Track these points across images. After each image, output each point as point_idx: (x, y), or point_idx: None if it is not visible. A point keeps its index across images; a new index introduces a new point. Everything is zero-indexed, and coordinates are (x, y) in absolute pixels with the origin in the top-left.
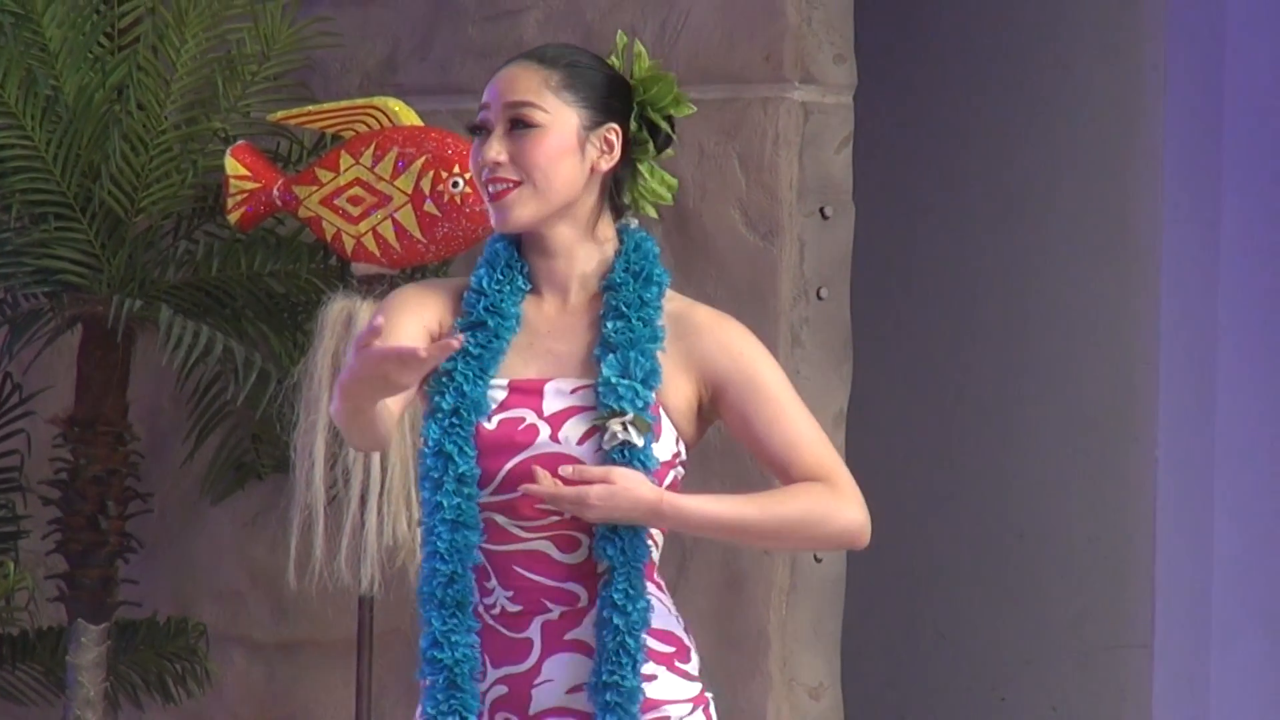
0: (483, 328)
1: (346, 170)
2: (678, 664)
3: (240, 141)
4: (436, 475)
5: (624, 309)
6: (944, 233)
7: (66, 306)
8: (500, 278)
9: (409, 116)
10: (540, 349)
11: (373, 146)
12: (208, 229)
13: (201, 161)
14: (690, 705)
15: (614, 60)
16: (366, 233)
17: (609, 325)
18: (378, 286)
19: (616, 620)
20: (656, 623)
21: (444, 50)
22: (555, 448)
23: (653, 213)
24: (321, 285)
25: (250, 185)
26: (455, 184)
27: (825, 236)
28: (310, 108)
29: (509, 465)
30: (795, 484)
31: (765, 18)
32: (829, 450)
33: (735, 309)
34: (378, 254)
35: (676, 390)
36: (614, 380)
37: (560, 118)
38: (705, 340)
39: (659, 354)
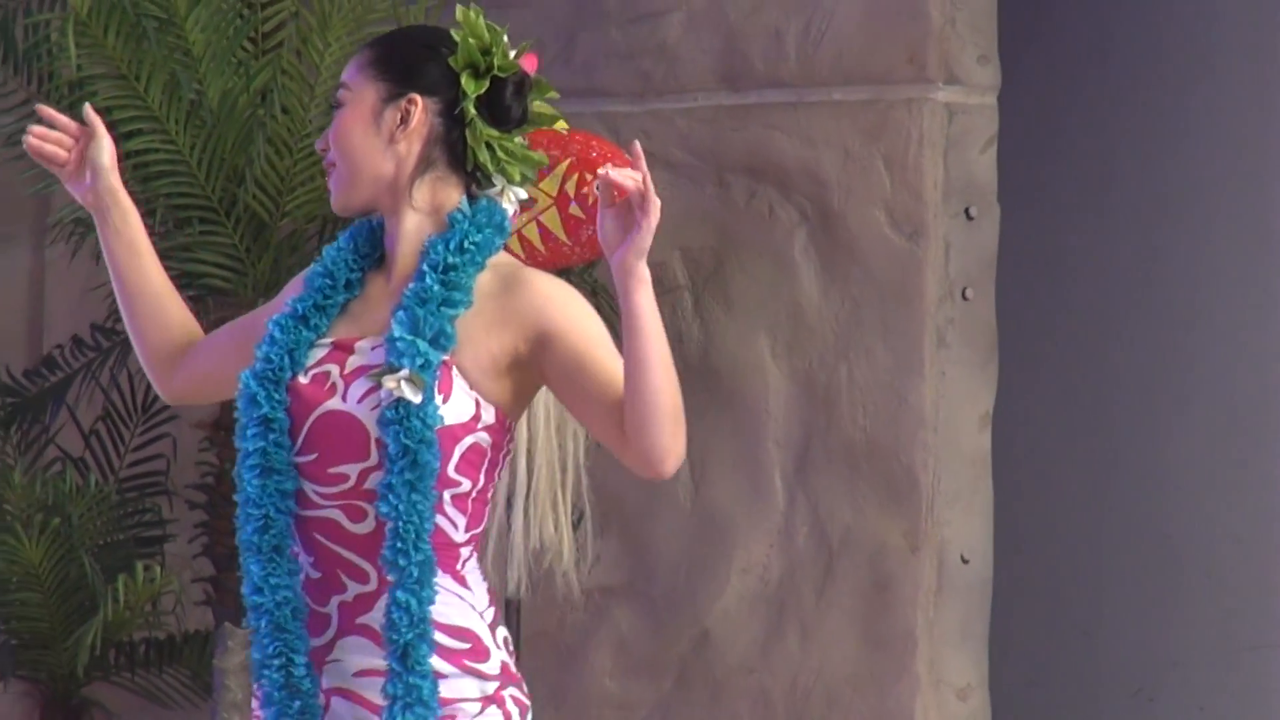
0: (311, 289)
1: None
2: (468, 662)
3: None
4: (243, 420)
5: (425, 270)
6: (1088, 232)
7: (211, 310)
8: (341, 246)
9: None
10: (366, 312)
11: None
12: None
13: None
14: (480, 704)
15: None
16: (511, 236)
17: (409, 287)
18: None
19: (397, 587)
20: (451, 618)
21: (587, 53)
22: (341, 406)
23: (516, 179)
24: None
25: None
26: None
27: (970, 237)
28: None
29: (309, 421)
30: None
31: (909, 19)
32: None
33: (881, 309)
34: (523, 256)
35: (484, 348)
36: (397, 336)
37: (359, 93)
38: (528, 293)
39: (468, 315)
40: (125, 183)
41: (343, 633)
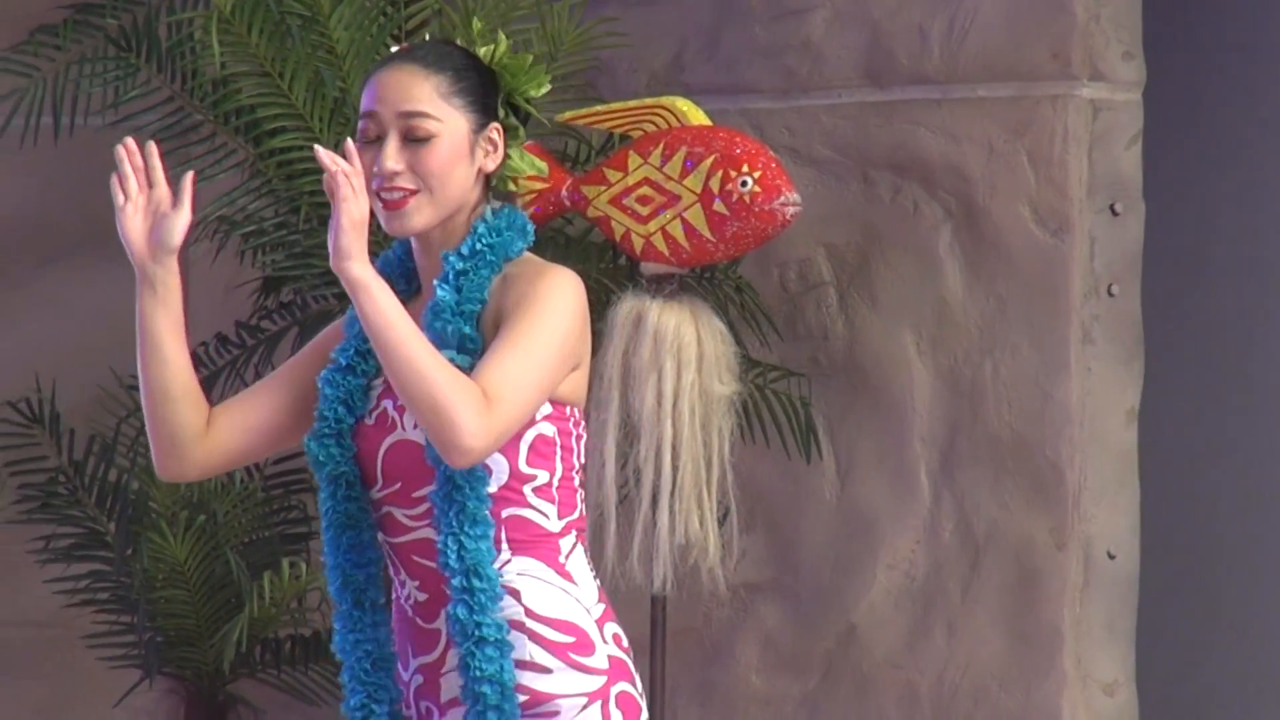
0: (351, 335)
1: (635, 170)
2: (573, 655)
3: (528, 142)
4: (318, 481)
5: (436, 284)
6: (1234, 228)
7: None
8: None
9: (697, 116)
10: None
11: (661, 146)
12: None
13: None
14: (585, 700)
15: (479, 50)
16: (656, 232)
17: (430, 305)
18: (667, 286)
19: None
20: (553, 611)
21: (731, 50)
22: (403, 435)
23: (512, 186)
24: (611, 285)
25: (539, 185)
26: (744, 183)
27: (1115, 233)
28: (598, 108)
29: (379, 456)
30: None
31: (1053, 15)
32: (509, 378)
33: (1026, 306)
34: (667, 253)
35: None
36: None
37: (451, 125)
38: (510, 290)
39: (488, 317)
40: (270, 179)
41: (451, 643)
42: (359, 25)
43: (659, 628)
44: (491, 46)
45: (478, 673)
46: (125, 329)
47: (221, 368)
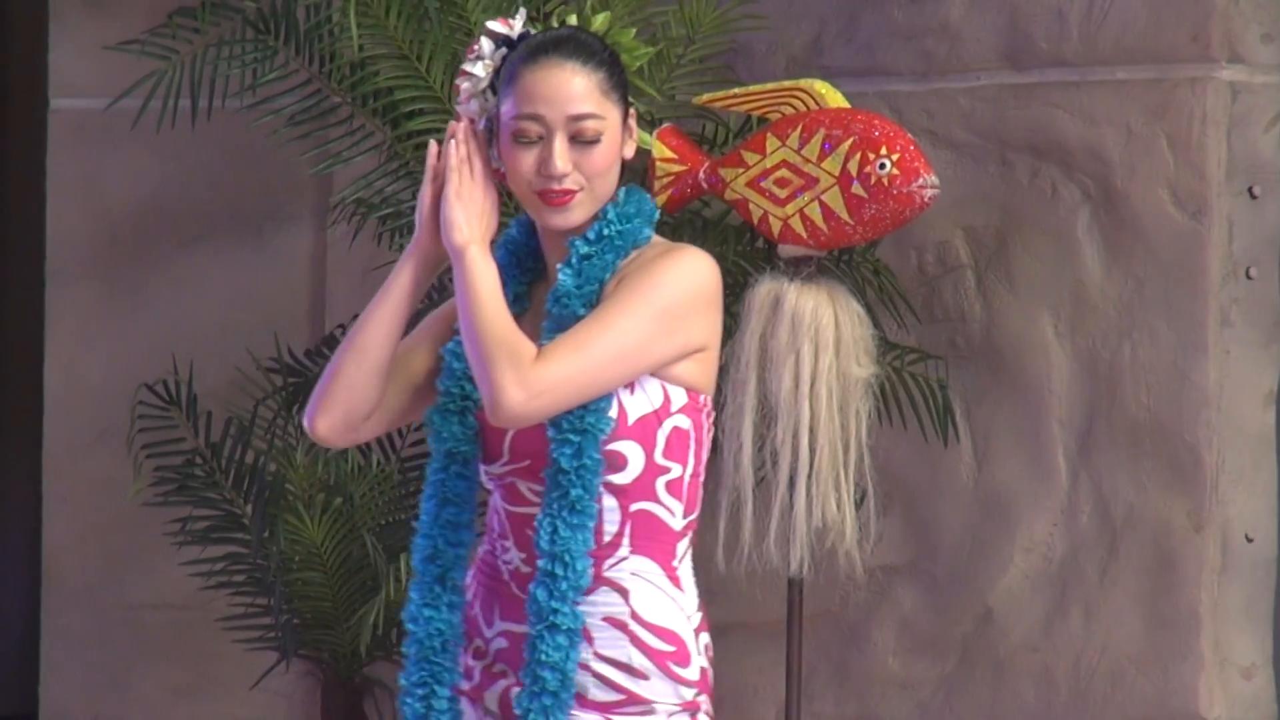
0: None
1: (773, 152)
2: (671, 665)
3: (666, 124)
4: (432, 452)
5: (560, 267)
6: None
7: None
8: (503, 263)
9: (835, 98)
10: (536, 327)
11: (799, 129)
12: None
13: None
14: (679, 706)
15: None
16: (793, 215)
17: (551, 291)
18: (804, 268)
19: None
20: (659, 618)
21: (869, 32)
22: None
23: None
24: (748, 267)
25: (676, 168)
26: (883, 166)
27: (1254, 216)
28: (736, 90)
29: (508, 437)
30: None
31: None
32: (571, 341)
33: (1164, 288)
34: (805, 236)
35: None
36: (542, 342)
37: (611, 122)
38: (631, 265)
39: (599, 296)
40: (408, 162)
41: None
42: (496, 8)
43: (796, 610)
44: (603, 24)
45: (544, 657)
46: (262, 311)
47: None
